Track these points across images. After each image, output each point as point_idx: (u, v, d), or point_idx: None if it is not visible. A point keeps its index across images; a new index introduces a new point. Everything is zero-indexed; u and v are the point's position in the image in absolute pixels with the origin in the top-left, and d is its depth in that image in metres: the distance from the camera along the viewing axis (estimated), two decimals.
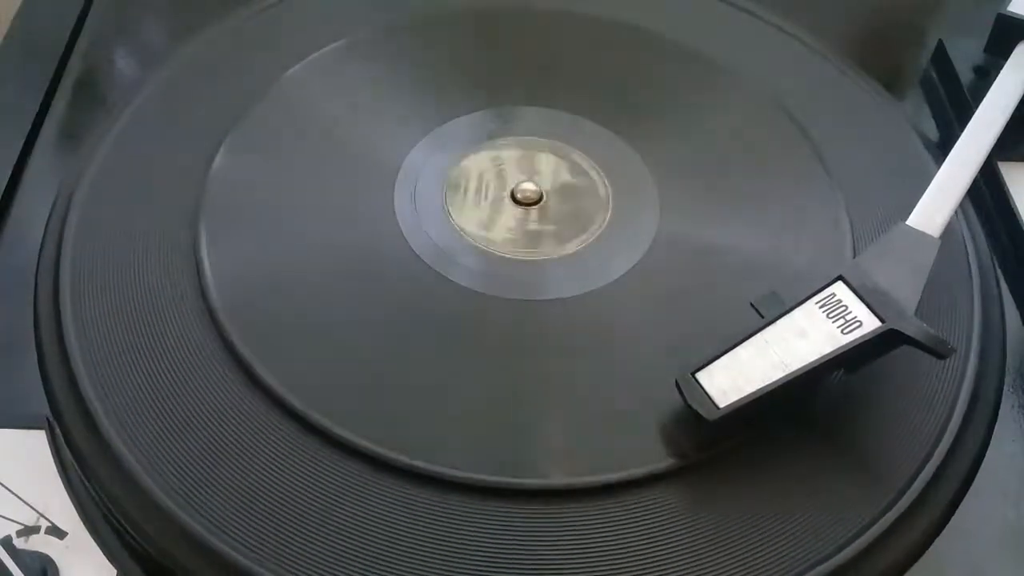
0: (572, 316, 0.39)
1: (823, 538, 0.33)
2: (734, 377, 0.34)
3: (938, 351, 0.34)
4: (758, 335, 0.35)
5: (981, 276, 0.41)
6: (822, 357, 0.34)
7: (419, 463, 0.34)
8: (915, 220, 0.38)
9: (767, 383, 0.33)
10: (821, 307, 0.35)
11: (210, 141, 0.42)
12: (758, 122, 0.45)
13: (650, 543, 0.33)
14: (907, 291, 0.35)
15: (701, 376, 0.34)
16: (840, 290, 0.35)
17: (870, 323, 0.34)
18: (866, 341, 0.34)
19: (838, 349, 0.34)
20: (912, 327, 0.34)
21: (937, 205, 0.39)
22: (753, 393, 0.33)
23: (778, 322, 0.35)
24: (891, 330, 0.34)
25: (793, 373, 0.33)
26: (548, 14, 0.49)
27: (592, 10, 0.49)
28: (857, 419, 0.36)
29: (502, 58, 0.48)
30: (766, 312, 0.35)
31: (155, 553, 0.33)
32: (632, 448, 0.35)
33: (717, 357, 0.34)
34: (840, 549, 0.33)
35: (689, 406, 0.34)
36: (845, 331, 0.34)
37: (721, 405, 0.33)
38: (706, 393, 0.34)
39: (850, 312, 0.34)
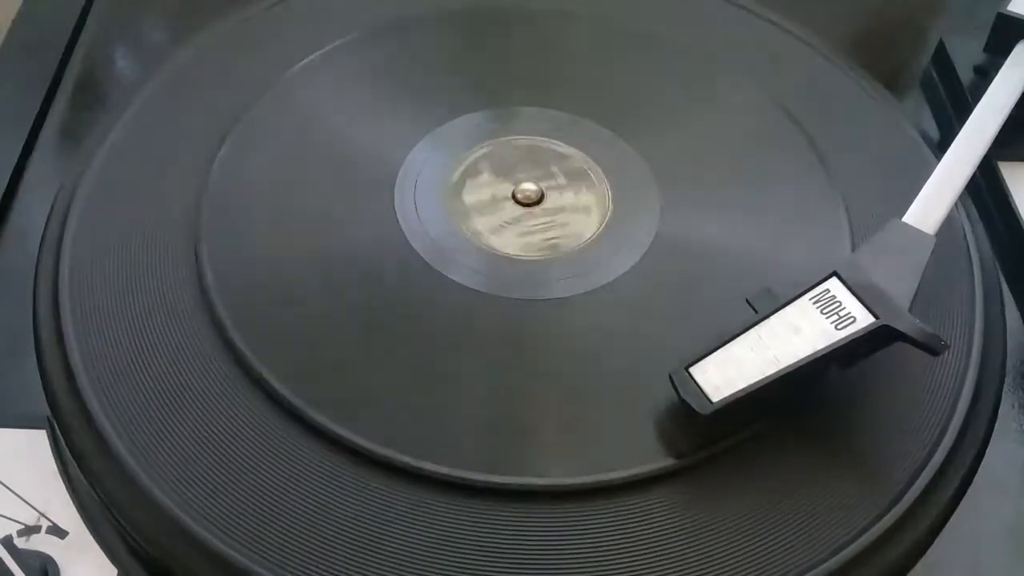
0: (572, 316, 0.39)
1: (824, 538, 0.33)
2: (728, 372, 0.34)
3: (932, 347, 0.34)
4: (752, 330, 0.35)
5: (982, 276, 0.41)
6: (815, 353, 0.34)
7: (419, 463, 0.34)
8: (911, 217, 0.38)
9: (760, 378, 0.33)
10: (815, 303, 0.35)
11: (210, 141, 0.42)
12: (758, 122, 0.45)
13: (649, 543, 0.33)
14: (902, 288, 0.35)
15: (695, 371, 0.34)
16: (834, 286, 0.35)
17: (864, 319, 0.34)
18: (859, 337, 0.34)
19: (831, 345, 0.34)
20: (905, 323, 0.34)
21: (933, 203, 0.39)
22: (746, 388, 0.33)
23: (772, 318, 0.35)
24: (884, 326, 0.34)
25: (786, 368, 0.33)
26: (548, 14, 0.49)
27: (592, 10, 0.49)
28: (857, 419, 0.36)
29: (502, 58, 0.48)
30: (760, 308, 0.35)
31: (155, 552, 0.33)
32: (632, 448, 0.35)
33: (711, 352, 0.34)
34: (841, 549, 0.33)
35: (682, 400, 0.34)
36: (839, 327, 0.34)
37: (714, 400, 0.33)
38: (699, 388, 0.34)
39: (844, 308, 0.34)
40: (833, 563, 0.33)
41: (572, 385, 0.37)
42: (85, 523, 0.34)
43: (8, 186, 0.43)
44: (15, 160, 0.44)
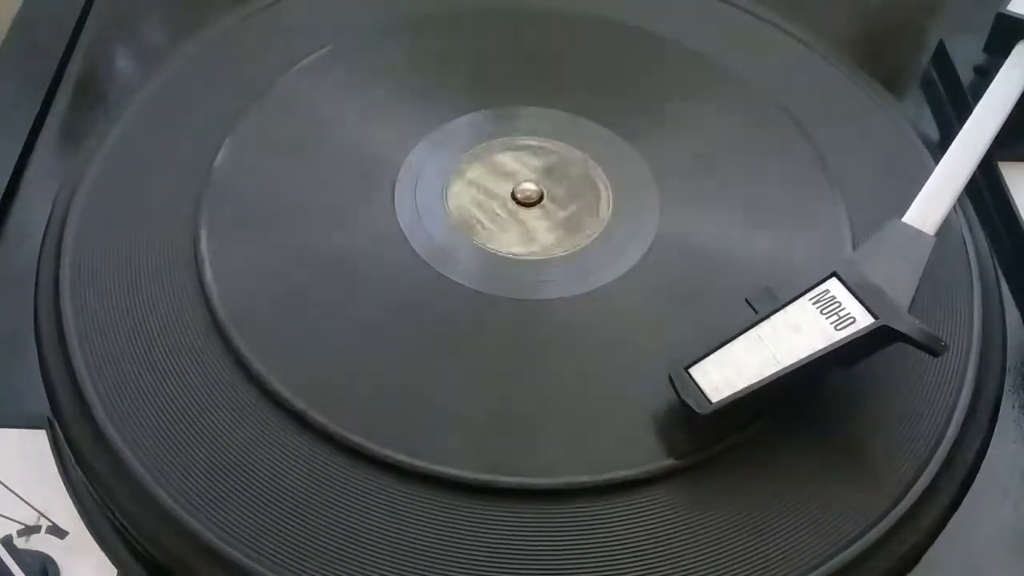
0: (572, 316, 0.39)
1: (823, 539, 0.33)
2: (727, 372, 0.34)
3: (931, 348, 0.34)
4: (752, 331, 0.35)
5: (981, 276, 0.41)
6: (814, 353, 0.34)
7: (419, 463, 0.34)
8: (911, 217, 0.38)
9: (759, 378, 0.33)
10: (815, 303, 0.35)
11: (211, 141, 0.42)
12: (758, 122, 0.46)
13: (649, 544, 0.33)
14: (901, 288, 0.35)
15: (694, 371, 0.34)
16: (834, 286, 0.35)
17: (863, 319, 0.34)
18: (859, 337, 0.34)
19: (831, 345, 0.34)
20: (905, 324, 0.34)
21: (933, 203, 0.39)
22: (745, 388, 0.33)
23: (771, 318, 0.35)
24: (884, 327, 0.34)
25: (785, 369, 0.33)
26: (548, 14, 0.49)
27: (592, 10, 0.49)
28: (858, 420, 0.36)
29: (502, 58, 0.48)
30: (760, 308, 0.35)
31: (155, 552, 0.33)
32: (632, 448, 0.35)
33: (711, 352, 0.34)
34: (841, 550, 0.33)
35: (682, 401, 0.34)
36: (838, 327, 0.34)
37: (713, 400, 0.33)
38: (699, 388, 0.34)
39: (843, 308, 0.34)
40: (834, 563, 0.33)
41: (572, 385, 0.37)
42: (85, 523, 0.34)
43: (8, 186, 0.43)
44: (15, 160, 0.44)
